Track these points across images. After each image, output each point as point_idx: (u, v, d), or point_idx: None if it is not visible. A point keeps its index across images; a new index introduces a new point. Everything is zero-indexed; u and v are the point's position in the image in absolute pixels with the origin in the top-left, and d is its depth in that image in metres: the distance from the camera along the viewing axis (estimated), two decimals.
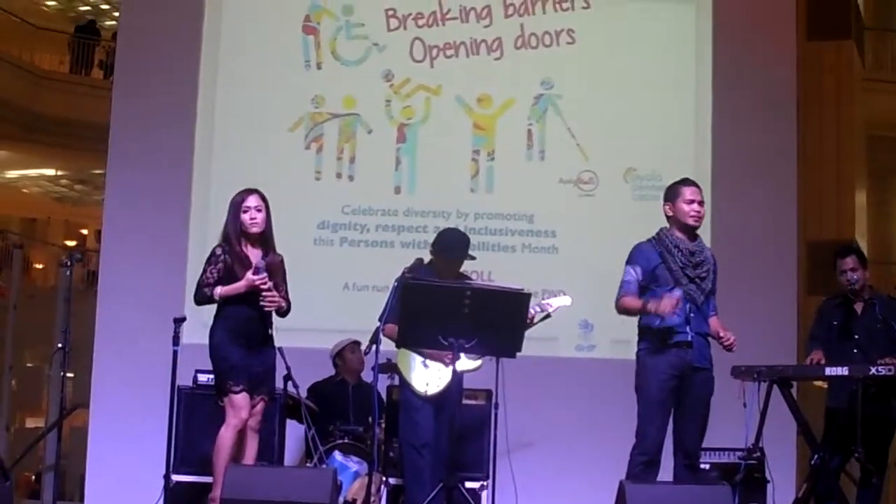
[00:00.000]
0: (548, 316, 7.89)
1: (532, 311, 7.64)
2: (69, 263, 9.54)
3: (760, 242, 10.58)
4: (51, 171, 25.55)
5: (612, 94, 10.90)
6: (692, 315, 6.97)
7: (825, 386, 8.34)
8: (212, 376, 7.64)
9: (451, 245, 7.94)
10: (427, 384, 7.72)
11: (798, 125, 11.13)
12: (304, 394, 8.98)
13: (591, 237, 10.60)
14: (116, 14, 19.21)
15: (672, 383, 6.94)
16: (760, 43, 10.98)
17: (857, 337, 8.13)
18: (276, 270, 7.46)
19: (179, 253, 10.40)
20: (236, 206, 7.49)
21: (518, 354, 7.07)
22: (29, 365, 20.14)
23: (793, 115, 11.03)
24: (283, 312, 7.54)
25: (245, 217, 7.44)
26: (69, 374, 9.24)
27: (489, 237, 10.55)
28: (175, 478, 8.26)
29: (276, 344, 7.66)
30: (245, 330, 7.37)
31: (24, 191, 26.83)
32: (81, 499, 10.76)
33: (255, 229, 7.46)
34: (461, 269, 8.04)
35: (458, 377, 7.39)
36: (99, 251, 21.72)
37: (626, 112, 10.87)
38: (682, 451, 7.02)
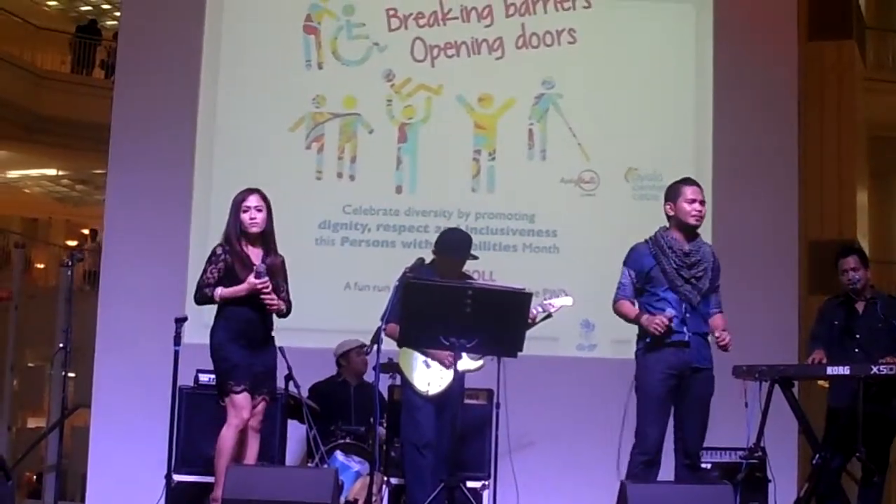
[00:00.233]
0: (549, 316, 7.90)
1: (534, 311, 7.64)
2: (70, 263, 9.53)
3: (761, 242, 10.57)
4: (52, 171, 25.57)
5: (613, 94, 10.89)
6: (688, 315, 6.97)
7: (826, 385, 8.33)
8: (213, 376, 7.64)
9: (454, 245, 7.94)
10: (429, 384, 7.72)
11: (799, 125, 11.13)
12: (305, 394, 8.98)
13: (592, 237, 10.60)
14: (117, 14, 19.20)
15: (671, 382, 6.95)
16: (761, 42, 10.98)
17: (858, 336, 8.13)
18: (276, 271, 7.47)
19: (181, 253, 10.40)
20: (237, 205, 7.50)
21: (519, 354, 7.08)
22: (30, 365, 20.13)
23: (794, 115, 11.03)
24: (283, 314, 7.54)
25: (245, 217, 7.44)
26: (70, 374, 9.24)
27: (490, 237, 10.55)
28: (176, 478, 8.27)
29: (278, 344, 7.66)
30: (246, 330, 7.38)
31: (26, 191, 26.85)
32: (83, 499, 10.76)
33: (254, 229, 7.46)
34: (463, 269, 8.04)
35: (459, 377, 7.39)
36: (93, 250, 21.84)
37: (627, 112, 10.87)
38: (682, 450, 7.03)
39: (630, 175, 10.75)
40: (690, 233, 7.12)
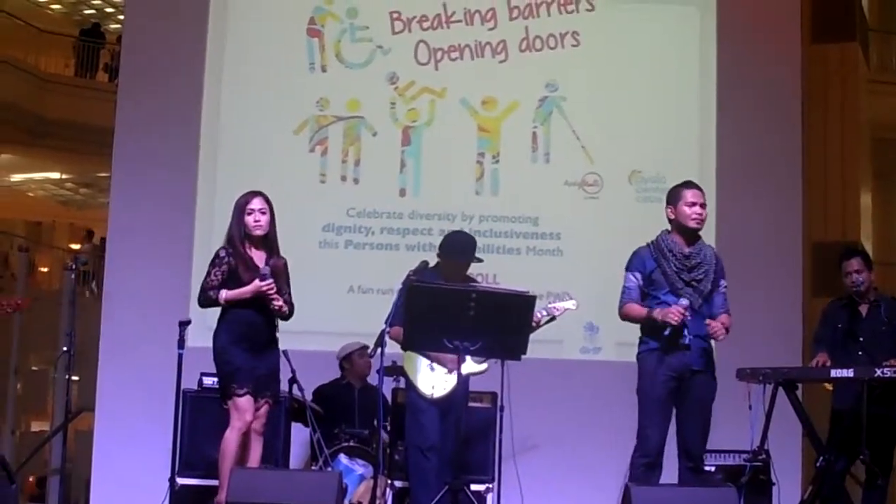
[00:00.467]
0: (553, 319, 7.90)
1: (538, 314, 7.64)
2: (74, 267, 9.54)
3: (765, 244, 10.57)
4: (56, 175, 25.60)
5: (617, 97, 10.89)
6: (689, 318, 6.96)
7: (830, 388, 8.33)
8: (216, 379, 7.63)
9: (459, 247, 7.94)
10: (433, 387, 7.71)
11: (802, 127, 11.11)
12: (309, 397, 8.98)
13: (595, 239, 10.59)
14: (121, 17, 19.21)
15: (671, 385, 6.95)
16: (765, 45, 10.97)
17: (861, 339, 8.12)
18: (279, 274, 7.47)
19: (184, 256, 10.40)
20: (240, 208, 7.50)
21: (523, 357, 7.07)
22: (34, 368, 20.15)
23: (797, 117, 11.02)
24: (285, 316, 7.54)
25: (249, 219, 7.45)
26: (74, 378, 9.27)
27: (494, 239, 10.55)
28: (180, 481, 8.26)
29: (281, 347, 7.66)
30: (249, 333, 7.38)
31: (30, 194, 26.87)
32: (87, 502, 10.76)
33: (258, 232, 7.46)
34: (468, 272, 8.04)
35: (463, 380, 7.39)
36: (88, 251, 21.82)
37: (631, 114, 10.86)
38: (685, 453, 7.03)
39: (634, 177, 10.75)
40: (691, 236, 7.12)
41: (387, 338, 7.44)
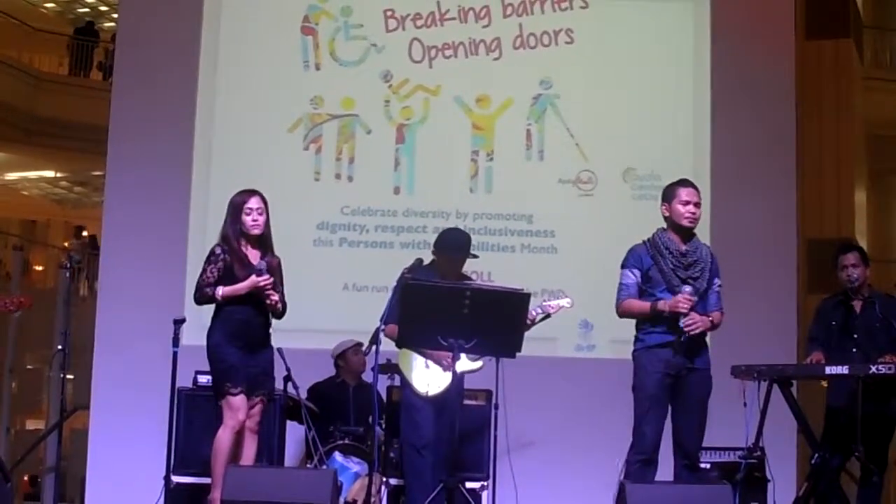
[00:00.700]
0: (548, 316, 7.90)
1: (533, 312, 7.65)
2: (68, 265, 9.54)
3: (760, 241, 10.57)
4: (50, 173, 25.56)
5: (611, 94, 10.90)
6: (696, 303, 6.97)
7: (825, 384, 8.33)
8: (211, 377, 7.63)
9: (454, 244, 7.94)
10: (428, 385, 7.71)
11: (797, 123, 11.13)
12: (303, 394, 8.98)
13: (590, 237, 10.60)
14: (115, 16, 19.22)
15: (667, 381, 6.95)
16: (759, 41, 10.97)
17: (856, 336, 8.11)
18: (273, 272, 7.47)
19: (179, 254, 10.40)
20: (238, 206, 7.49)
21: (518, 355, 7.06)
22: (29, 367, 20.13)
23: (792, 114, 11.03)
24: (279, 314, 7.54)
25: (247, 219, 7.44)
26: (69, 376, 9.25)
27: (488, 237, 10.54)
28: (175, 479, 8.28)
29: (276, 345, 7.66)
30: (243, 331, 7.38)
31: (24, 193, 26.84)
32: (82, 500, 10.75)
33: (255, 231, 7.46)
34: (462, 269, 8.04)
35: (458, 378, 7.39)
36: (76, 248, 21.79)
37: (625, 112, 10.87)
38: (681, 451, 7.03)
39: (628, 175, 10.75)
40: (686, 234, 7.12)
41: (382, 336, 7.44)
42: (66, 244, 26.18)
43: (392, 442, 8.54)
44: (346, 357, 9.72)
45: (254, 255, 7.45)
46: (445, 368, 7.52)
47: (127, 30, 11.35)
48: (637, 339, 7.12)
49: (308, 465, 8.88)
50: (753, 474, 8.34)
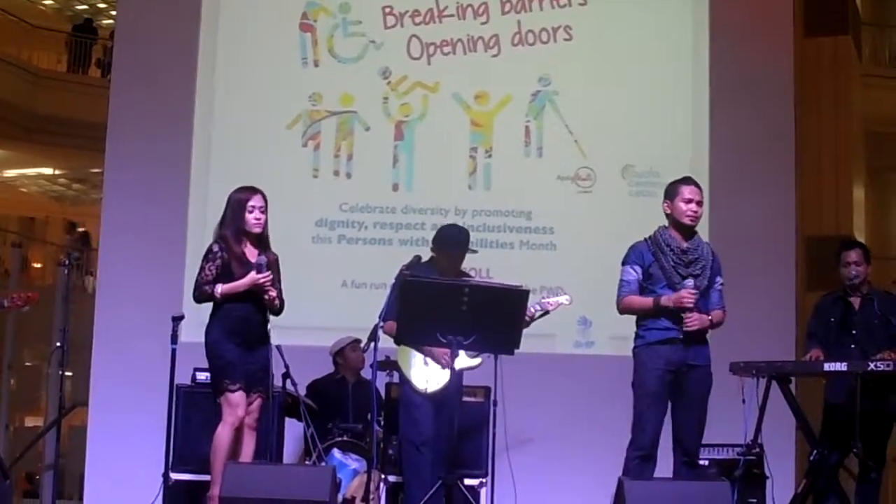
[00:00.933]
0: (546, 313, 7.91)
1: (532, 309, 7.65)
2: (67, 262, 9.53)
3: (759, 238, 10.57)
4: (49, 170, 25.53)
5: (610, 91, 10.90)
6: (698, 296, 6.99)
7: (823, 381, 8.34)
8: (210, 374, 7.62)
9: (453, 240, 7.94)
10: (427, 381, 7.71)
11: (796, 121, 11.13)
12: (302, 391, 8.98)
13: (588, 234, 10.61)
14: (113, 13, 19.22)
15: (667, 378, 6.96)
16: (758, 38, 10.97)
17: (854, 332, 8.11)
18: (271, 268, 7.45)
19: (177, 251, 10.40)
20: (240, 204, 7.46)
21: (516, 351, 7.06)
22: (28, 364, 20.15)
23: (791, 111, 11.03)
24: (276, 311, 7.53)
25: (250, 217, 7.42)
26: (68, 373, 9.24)
27: (487, 234, 10.54)
28: (174, 476, 8.26)
29: (274, 342, 7.65)
30: (241, 328, 7.37)
31: (23, 190, 26.82)
32: (80, 497, 10.77)
33: (257, 229, 7.45)
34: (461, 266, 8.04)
35: (457, 375, 7.38)
36: (69, 245, 21.77)
37: (624, 108, 10.87)
38: (680, 448, 7.04)
39: (626, 172, 10.75)
40: (687, 232, 7.13)
41: (380, 332, 7.44)
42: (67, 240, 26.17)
43: (391, 439, 8.54)
44: (345, 354, 9.72)
45: (251, 253, 7.43)
46: (444, 366, 7.52)
47: (125, 27, 11.36)
48: (637, 336, 7.13)
49: (307, 462, 8.89)
50: (752, 471, 8.35)
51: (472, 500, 8.18)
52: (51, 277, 22.05)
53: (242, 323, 7.37)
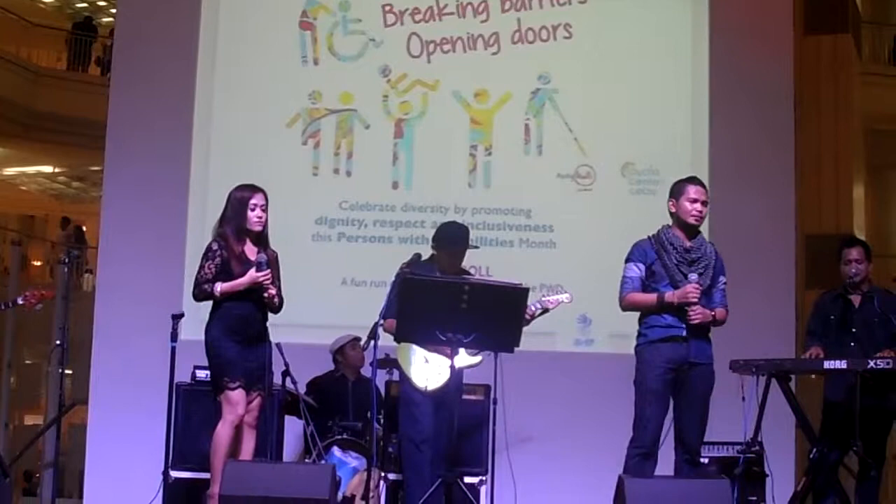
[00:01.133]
0: (546, 311, 7.91)
1: (532, 307, 7.65)
2: (67, 261, 9.54)
3: (758, 236, 10.56)
4: (48, 168, 25.56)
5: (609, 89, 10.89)
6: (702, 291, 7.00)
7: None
8: (209, 372, 7.62)
9: (453, 236, 7.94)
10: (427, 380, 7.70)
11: (796, 119, 11.12)
12: (302, 389, 8.98)
13: (588, 232, 10.60)
14: (113, 11, 19.18)
15: (669, 376, 6.97)
16: (758, 36, 10.96)
17: (854, 330, 8.12)
18: (270, 266, 7.45)
19: (177, 249, 10.40)
20: (242, 202, 7.45)
21: (516, 349, 7.07)
22: (27, 362, 20.16)
23: (790, 109, 11.02)
24: (276, 308, 7.53)
25: (252, 215, 7.42)
26: (68, 371, 9.26)
27: (487, 232, 10.53)
28: (173, 474, 8.27)
29: (274, 340, 7.64)
30: (241, 326, 7.36)
31: (22, 188, 26.84)
32: (80, 495, 10.77)
33: (258, 228, 7.44)
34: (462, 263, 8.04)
35: (457, 373, 7.39)
36: (61, 241, 21.78)
37: (624, 106, 10.86)
38: (682, 445, 7.05)
39: (626, 170, 10.74)
40: (691, 231, 7.14)
41: (380, 330, 7.44)
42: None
43: (391, 437, 8.54)
44: (345, 352, 9.72)
45: (251, 251, 7.43)
46: (449, 356, 7.49)
47: (125, 25, 11.35)
48: (640, 335, 7.14)
49: (307, 460, 8.89)
50: (752, 469, 8.35)
51: (471, 498, 8.17)
52: (50, 276, 22.11)
53: (242, 321, 7.36)
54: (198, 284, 7.42)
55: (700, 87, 10.81)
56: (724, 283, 7.22)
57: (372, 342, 7.47)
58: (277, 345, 7.79)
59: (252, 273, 7.30)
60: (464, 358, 7.49)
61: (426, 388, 7.70)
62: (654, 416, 6.98)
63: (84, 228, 24.87)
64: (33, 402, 21.31)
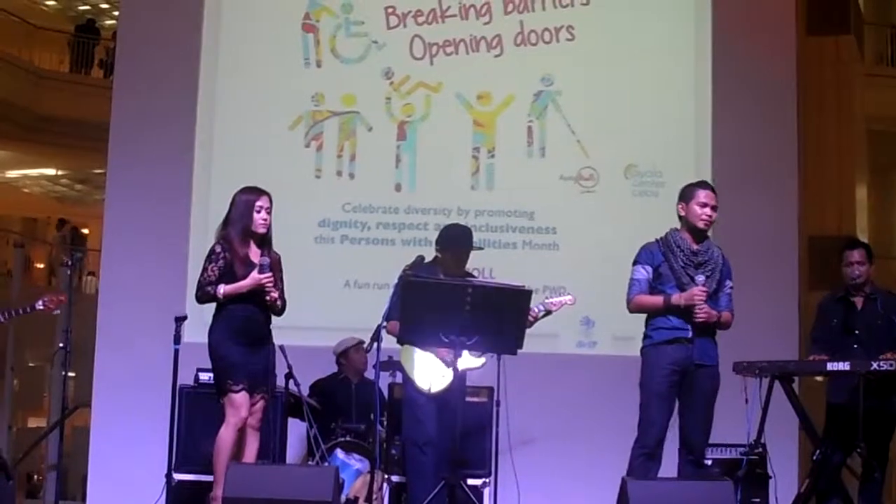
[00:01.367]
0: (549, 313, 7.91)
1: (535, 309, 7.66)
2: (70, 263, 9.54)
3: (762, 238, 10.54)
4: (51, 171, 25.57)
5: (612, 91, 10.88)
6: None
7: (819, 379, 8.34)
8: (213, 375, 7.62)
9: (458, 237, 7.96)
10: (430, 382, 7.70)
11: (798, 120, 11.11)
12: (305, 392, 8.98)
13: (591, 233, 10.60)
14: (116, 13, 19.21)
15: (674, 378, 6.98)
16: (760, 37, 10.96)
17: (857, 333, 8.11)
18: (273, 268, 7.45)
19: (180, 251, 10.40)
20: (248, 205, 7.45)
21: (519, 351, 7.06)
22: (31, 364, 20.15)
23: (793, 110, 11.01)
24: (278, 311, 7.53)
25: (257, 217, 7.42)
26: (71, 374, 9.26)
27: (490, 234, 10.52)
28: (177, 476, 8.28)
29: (277, 342, 7.65)
30: (244, 328, 7.36)
31: (25, 190, 26.85)
32: (83, 498, 10.76)
33: (262, 230, 7.45)
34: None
35: (460, 375, 7.39)
36: (56, 242, 21.79)
37: (626, 108, 10.85)
38: (686, 447, 7.06)
39: (629, 171, 10.74)
40: (699, 235, 7.16)
41: (383, 333, 7.43)
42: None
43: (394, 439, 8.55)
44: (349, 355, 9.72)
45: (254, 254, 7.43)
46: (448, 365, 7.51)
47: (128, 27, 11.37)
48: (645, 336, 7.16)
49: (310, 463, 8.88)
50: (755, 471, 8.34)
51: (474, 500, 8.18)
52: (49, 279, 22.14)
53: (246, 323, 7.37)
54: (201, 287, 7.42)
55: (703, 89, 10.81)
56: (731, 288, 7.25)
57: (375, 344, 7.47)
58: (281, 347, 7.80)
59: (255, 275, 7.30)
60: (467, 360, 7.49)
61: (429, 390, 7.71)
62: (659, 418, 6.99)
63: (86, 231, 24.89)
64: (36, 405, 21.30)
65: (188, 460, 8.53)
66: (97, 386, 10.55)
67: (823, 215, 13.92)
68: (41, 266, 24.67)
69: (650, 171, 10.61)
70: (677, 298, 6.98)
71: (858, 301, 8.19)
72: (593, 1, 10.96)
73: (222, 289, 7.32)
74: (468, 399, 8.23)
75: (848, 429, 7.68)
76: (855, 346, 8.05)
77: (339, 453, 8.76)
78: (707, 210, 7.13)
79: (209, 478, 7.56)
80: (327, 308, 10.34)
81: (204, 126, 10.77)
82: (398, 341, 7.49)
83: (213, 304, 7.47)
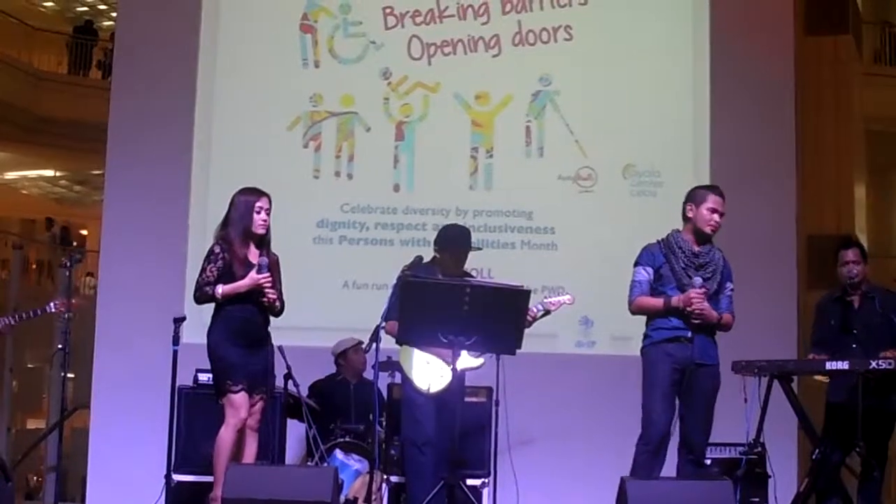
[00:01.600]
0: (548, 313, 7.91)
1: (534, 309, 7.66)
2: (69, 264, 9.54)
3: (760, 237, 10.54)
4: (50, 172, 25.58)
5: (611, 90, 10.88)
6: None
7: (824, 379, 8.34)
8: (212, 376, 7.62)
9: (456, 237, 7.96)
10: (429, 382, 7.70)
11: (797, 119, 11.11)
12: (304, 392, 8.98)
13: (590, 233, 10.60)
14: (114, 14, 19.22)
15: (675, 376, 6.98)
16: (759, 37, 10.95)
17: (855, 332, 8.10)
18: (271, 269, 7.45)
19: (179, 252, 10.40)
20: (248, 205, 7.44)
21: (518, 351, 7.06)
22: (29, 366, 20.16)
23: (791, 110, 11.01)
24: (276, 312, 7.53)
25: (258, 218, 7.42)
26: (70, 375, 9.26)
27: (488, 234, 10.51)
28: (176, 477, 8.28)
29: (276, 342, 7.65)
30: (243, 329, 7.36)
31: (24, 192, 26.86)
32: (83, 499, 10.76)
33: (262, 231, 7.45)
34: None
35: (459, 375, 7.38)
36: (44, 241, 21.77)
37: (625, 108, 10.85)
38: (686, 446, 7.06)
39: (628, 171, 10.74)
40: (703, 238, 7.16)
41: (382, 333, 7.43)
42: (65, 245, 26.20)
43: (393, 439, 8.55)
44: (347, 356, 9.72)
45: (253, 254, 7.43)
46: (449, 364, 7.50)
47: (126, 28, 11.37)
48: (646, 336, 7.17)
49: (309, 463, 8.89)
50: (754, 470, 8.35)
51: (474, 500, 8.18)
52: (40, 279, 22.15)
53: (245, 324, 7.37)
54: (199, 287, 7.42)
55: (701, 89, 10.81)
56: (732, 290, 7.26)
57: (374, 345, 7.47)
58: (279, 348, 7.80)
59: (253, 275, 7.30)
60: (466, 360, 7.49)
61: (428, 391, 7.71)
62: (662, 413, 6.99)
63: (84, 232, 24.88)
64: (35, 407, 21.31)
65: (187, 461, 8.53)
66: (96, 387, 10.55)
67: (822, 215, 13.91)
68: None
69: (648, 171, 10.61)
70: (676, 300, 7.00)
71: (855, 300, 8.19)
72: (591, 1, 10.96)
73: (220, 289, 7.32)
74: (467, 399, 8.24)
75: (847, 428, 7.67)
76: (854, 345, 8.04)
77: (339, 454, 8.76)
78: (716, 216, 7.15)
79: (208, 478, 7.56)
80: (326, 308, 10.34)
81: (202, 127, 10.78)
82: (397, 342, 7.48)
83: (212, 305, 7.46)
